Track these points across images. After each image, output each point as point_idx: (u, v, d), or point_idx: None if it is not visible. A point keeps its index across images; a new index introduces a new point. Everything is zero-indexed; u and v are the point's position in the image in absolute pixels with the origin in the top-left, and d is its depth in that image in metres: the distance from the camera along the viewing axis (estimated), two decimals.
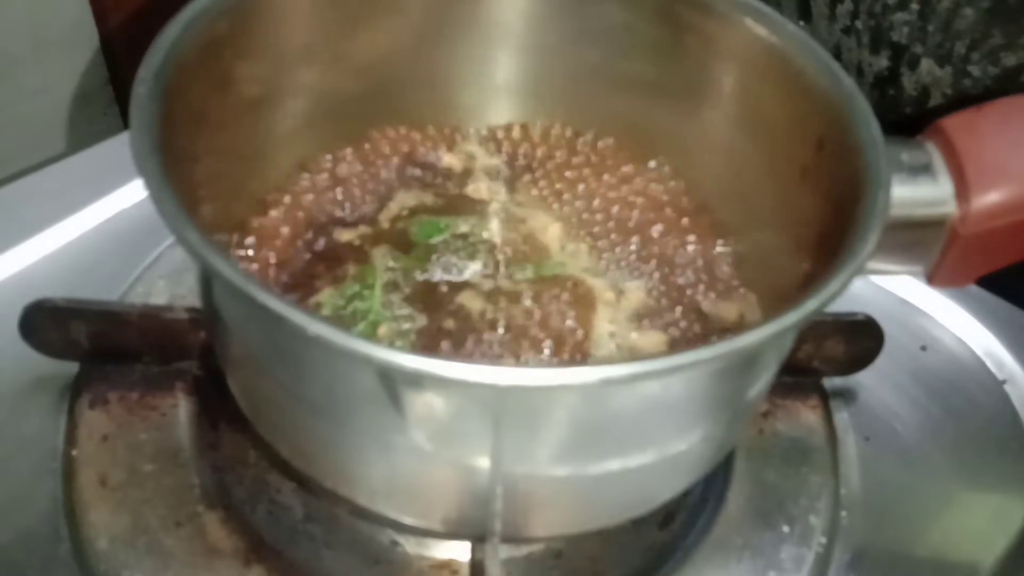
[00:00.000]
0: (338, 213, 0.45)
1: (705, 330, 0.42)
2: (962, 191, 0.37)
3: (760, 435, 0.47)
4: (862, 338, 0.49)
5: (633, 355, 0.41)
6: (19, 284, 0.49)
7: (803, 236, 0.38)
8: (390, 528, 0.43)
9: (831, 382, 0.50)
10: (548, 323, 0.41)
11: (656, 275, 0.44)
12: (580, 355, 0.40)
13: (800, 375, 0.49)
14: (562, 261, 0.44)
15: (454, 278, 0.43)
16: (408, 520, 0.38)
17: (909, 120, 0.58)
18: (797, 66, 0.40)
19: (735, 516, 0.44)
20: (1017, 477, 0.49)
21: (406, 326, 0.41)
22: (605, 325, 0.42)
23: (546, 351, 0.41)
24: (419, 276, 0.43)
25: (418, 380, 0.30)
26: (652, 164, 0.48)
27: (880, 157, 0.35)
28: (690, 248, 0.45)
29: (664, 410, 0.34)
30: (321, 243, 0.43)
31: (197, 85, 0.37)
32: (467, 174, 0.47)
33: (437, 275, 0.43)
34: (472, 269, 0.43)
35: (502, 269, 0.43)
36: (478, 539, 0.40)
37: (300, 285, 0.42)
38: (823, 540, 0.44)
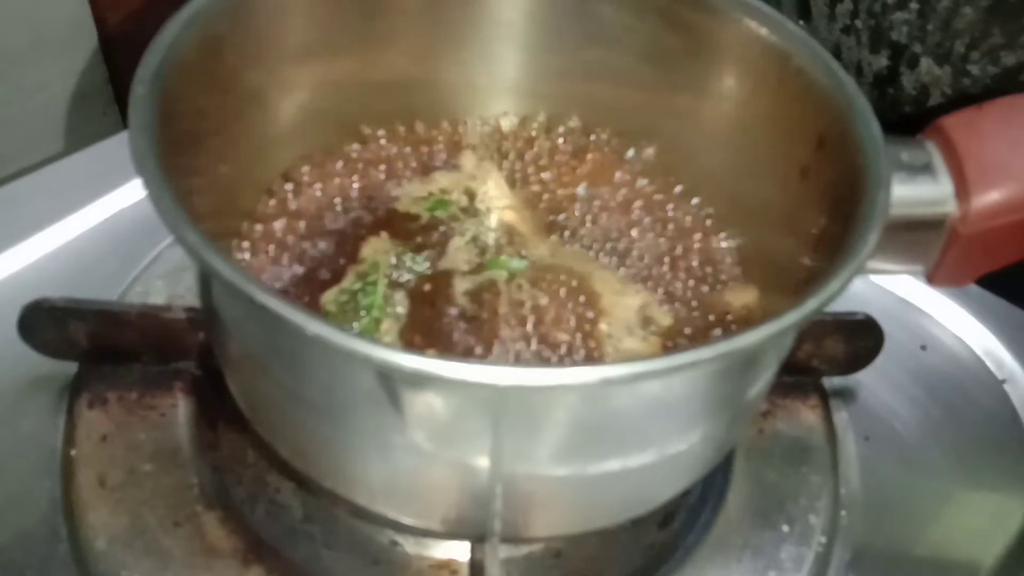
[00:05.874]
0: (339, 210, 0.45)
1: (705, 328, 0.42)
2: (962, 190, 0.37)
3: (760, 435, 0.47)
4: (862, 337, 0.49)
5: (633, 354, 0.41)
6: (18, 284, 0.49)
7: (804, 235, 0.38)
8: (390, 528, 0.43)
9: (831, 381, 0.50)
10: (550, 322, 0.41)
11: (656, 273, 0.44)
12: (583, 354, 0.40)
13: (800, 374, 0.49)
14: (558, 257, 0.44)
15: (456, 274, 0.43)
16: (408, 520, 0.38)
17: (909, 119, 0.58)
18: (797, 65, 0.40)
19: (735, 516, 0.44)
20: (1017, 477, 0.49)
21: (407, 322, 0.40)
22: (607, 323, 0.42)
23: (549, 350, 0.40)
24: (422, 272, 0.43)
25: (418, 380, 0.30)
26: (650, 162, 0.48)
27: (880, 156, 0.35)
28: (691, 246, 0.45)
29: (664, 410, 0.34)
30: (322, 241, 0.43)
31: (196, 84, 0.37)
32: (468, 171, 0.47)
33: (440, 271, 0.43)
34: (474, 265, 0.43)
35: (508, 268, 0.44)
36: (478, 539, 0.40)
37: (301, 283, 0.41)
38: (823, 540, 0.44)
